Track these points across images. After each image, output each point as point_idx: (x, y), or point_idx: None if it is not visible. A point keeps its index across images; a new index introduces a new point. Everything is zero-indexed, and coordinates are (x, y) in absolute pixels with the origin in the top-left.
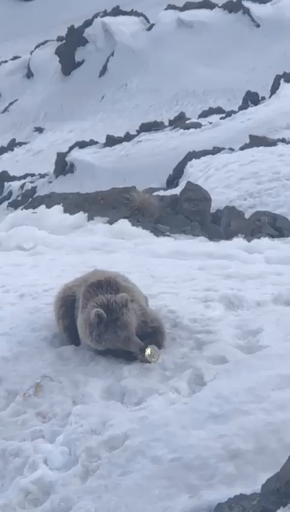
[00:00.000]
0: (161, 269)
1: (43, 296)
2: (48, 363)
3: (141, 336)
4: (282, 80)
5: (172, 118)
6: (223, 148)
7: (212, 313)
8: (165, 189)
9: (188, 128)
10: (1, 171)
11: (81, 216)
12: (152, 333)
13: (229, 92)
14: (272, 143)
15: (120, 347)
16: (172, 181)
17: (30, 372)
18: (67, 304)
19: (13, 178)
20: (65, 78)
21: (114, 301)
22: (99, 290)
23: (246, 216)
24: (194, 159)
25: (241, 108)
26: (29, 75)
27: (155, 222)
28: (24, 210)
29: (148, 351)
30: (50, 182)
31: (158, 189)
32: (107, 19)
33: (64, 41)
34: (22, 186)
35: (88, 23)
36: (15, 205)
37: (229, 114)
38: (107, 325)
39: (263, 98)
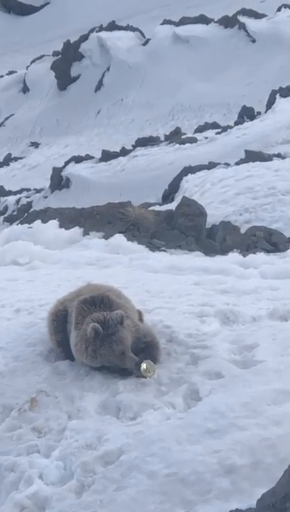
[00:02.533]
0: (157, 284)
1: (38, 310)
2: (44, 378)
3: (136, 351)
4: (278, 94)
5: (168, 133)
6: (219, 163)
7: (208, 328)
8: (160, 204)
9: (183, 143)
10: None
11: (76, 231)
12: (147, 348)
13: (225, 107)
14: (268, 158)
15: (115, 363)
16: (167, 196)
17: (26, 387)
18: (58, 319)
19: (9, 193)
20: (61, 93)
21: (110, 318)
22: (93, 307)
23: (242, 231)
24: (190, 174)
25: (237, 123)
26: (25, 89)
27: (150, 237)
28: (20, 224)
29: (143, 366)
30: (46, 197)
31: (153, 204)
32: (103, 34)
33: (60, 56)
34: (18, 201)
35: (84, 37)
36: (10, 219)
37: (225, 129)
38: (103, 340)
39: (259, 113)
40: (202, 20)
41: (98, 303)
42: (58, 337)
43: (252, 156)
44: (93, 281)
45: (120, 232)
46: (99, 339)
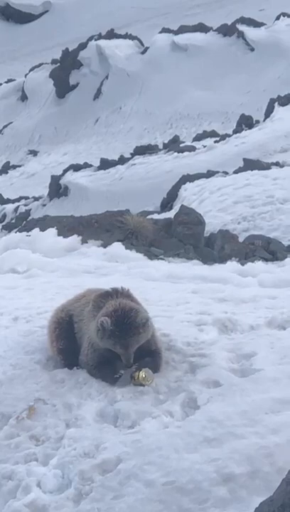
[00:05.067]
0: (155, 292)
1: (36, 319)
2: (42, 386)
3: (139, 356)
4: (276, 103)
5: (166, 141)
6: (217, 172)
7: (206, 337)
8: (159, 212)
9: (182, 151)
10: None
11: (75, 239)
12: (150, 355)
13: (224, 116)
14: (266, 166)
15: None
16: (166, 204)
17: (24, 395)
18: (61, 327)
19: (7, 201)
20: (60, 101)
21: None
22: (110, 298)
23: (240, 240)
24: (188, 182)
25: (235, 131)
26: (23, 97)
27: (149, 245)
28: (18, 232)
29: (142, 374)
30: (44, 205)
31: (152, 212)
32: (102, 42)
33: (58, 64)
34: (16, 209)
35: (83, 46)
36: (9, 227)
37: (223, 137)
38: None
39: (257, 121)
40: (201, 28)
41: (114, 295)
42: (60, 344)
43: (251, 165)
44: (92, 287)
45: (118, 241)
46: (125, 329)
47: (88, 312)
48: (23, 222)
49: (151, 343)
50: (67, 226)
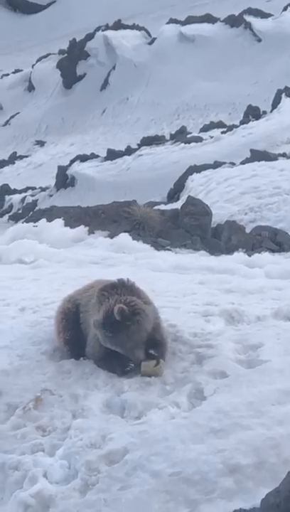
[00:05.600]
0: (162, 283)
1: (43, 309)
2: (48, 377)
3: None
4: (283, 94)
5: (173, 132)
6: (224, 163)
7: (213, 328)
8: (166, 203)
9: (189, 142)
10: (1, 184)
11: (82, 230)
12: (155, 345)
13: (231, 106)
14: (273, 157)
15: (122, 352)
16: (173, 195)
17: (31, 386)
18: (67, 317)
19: (14, 192)
20: (67, 92)
21: (135, 304)
22: (114, 292)
23: (247, 231)
24: (195, 173)
25: (242, 122)
26: (30, 88)
27: (156, 236)
28: (25, 223)
29: (152, 364)
30: (51, 195)
31: (159, 203)
32: (109, 33)
33: (65, 55)
34: (23, 199)
35: (90, 36)
36: (16, 218)
37: (230, 128)
38: (118, 328)
39: (264, 112)
40: (208, 19)
41: (119, 287)
42: (67, 335)
43: (258, 156)
44: (100, 278)
45: (125, 231)
46: (115, 326)
47: (93, 305)
48: (29, 213)
49: (156, 333)
50: (74, 217)
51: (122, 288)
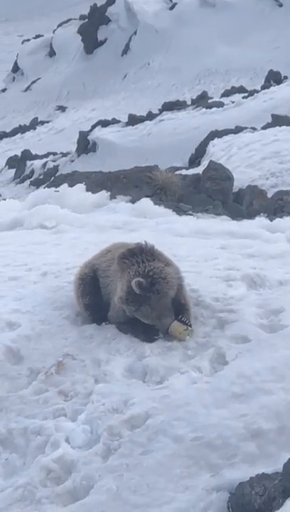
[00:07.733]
0: (183, 248)
1: (65, 274)
2: (70, 342)
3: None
4: None
5: (194, 97)
6: (245, 128)
7: (235, 293)
8: (187, 168)
9: (210, 107)
10: (23, 149)
11: (103, 195)
12: (182, 310)
13: (252, 71)
14: None
15: (148, 322)
16: (194, 160)
17: (53, 351)
18: (85, 282)
19: (36, 157)
20: (88, 57)
21: (153, 272)
22: (134, 259)
23: (269, 195)
24: (216, 138)
25: (263, 87)
26: (51, 53)
27: (177, 201)
28: (46, 188)
29: (181, 328)
30: (72, 161)
31: (180, 168)
32: None
33: (86, 20)
34: (44, 165)
35: (111, 1)
36: (37, 183)
37: (251, 93)
38: (143, 299)
39: (285, 77)
40: None
41: (138, 254)
42: (86, 300)
43: (279, 121)
44: (117, 242)
45: (147, 196)
46: (137, 299)
47: (114, 271)
48: (51, 178)
49: (180, 297)
50: (95, 182)
51: (142, 254)
